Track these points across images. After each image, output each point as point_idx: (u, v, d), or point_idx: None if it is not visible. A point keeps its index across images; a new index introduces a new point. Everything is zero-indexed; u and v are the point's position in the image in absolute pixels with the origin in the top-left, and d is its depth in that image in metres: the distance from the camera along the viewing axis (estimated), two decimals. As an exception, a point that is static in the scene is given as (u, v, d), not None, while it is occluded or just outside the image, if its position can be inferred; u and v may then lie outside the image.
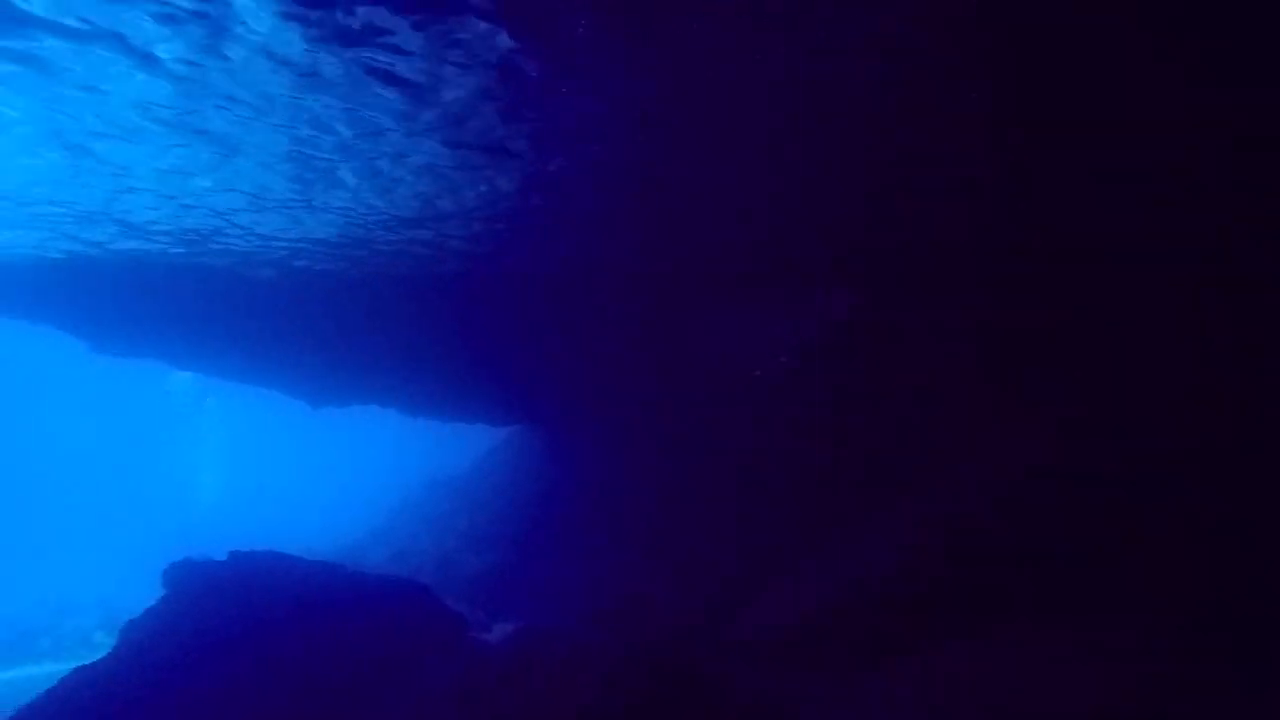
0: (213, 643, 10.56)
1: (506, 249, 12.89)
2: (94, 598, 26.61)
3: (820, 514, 12.68)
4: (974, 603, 9.59)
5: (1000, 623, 9.27)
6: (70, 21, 6.71)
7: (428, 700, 10.00)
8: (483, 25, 6.57)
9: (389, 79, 7.64)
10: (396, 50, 7.08)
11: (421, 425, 27.57)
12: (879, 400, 12.53)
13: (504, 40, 6.80)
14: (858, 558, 11.29)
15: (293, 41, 6.92)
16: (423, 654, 11.23)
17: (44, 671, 20.69)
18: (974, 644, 9.08)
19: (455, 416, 23.07)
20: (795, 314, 13.42)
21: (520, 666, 10.71)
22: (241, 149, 9.51)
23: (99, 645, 23.18)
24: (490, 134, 8.83)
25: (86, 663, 11.97)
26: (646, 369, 15.79)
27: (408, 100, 8.12)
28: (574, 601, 15.54)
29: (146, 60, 7.38)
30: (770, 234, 11.47)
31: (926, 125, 7.98)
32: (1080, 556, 9.23)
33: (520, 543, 17.93)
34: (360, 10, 6.41)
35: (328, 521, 29.96)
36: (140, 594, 22.38)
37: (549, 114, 8.23)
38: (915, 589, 10.17)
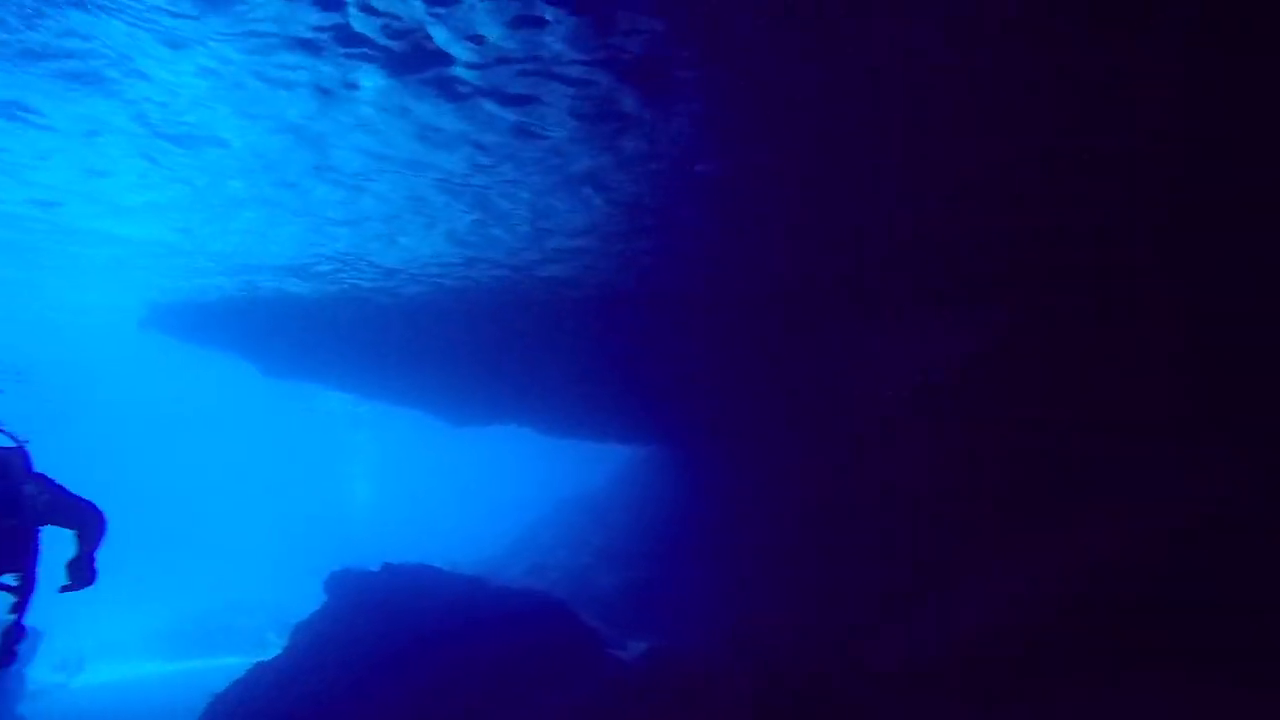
0: (368, 646, 11.37)
1: (637, 273, 13.22)
2: (264, 599, 29.04)
3: (964, 540, 12.13)
4: (1134, 644, 8.89)
5: (1167, 669, 8.54)
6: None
7: (563, 714, 10.31)
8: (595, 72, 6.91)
9: (506, 128, 8.17)
10: (509, 101, 7.63)
11: (557, 443, 28.47)
12: (1035, 423, 11.88)
13: (609, 80, 7.10)
14: (1005, 588, 10.73)
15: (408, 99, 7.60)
16: (559, 668, 11.60)
17: (226, 664, 22.86)
18: (1127, 694, 8.42)
19: (589, 436, 23.66)
20: (945, 332, 12.95)
21: (654, 686, 10.86)
22: (371, 191, 10.42)
23: (270, 644, 25.33)
24: (598, 160, 9.13)
25: (262, 659, 13.19)
26: (781, 388, 15.66)
27: (526, 141, 8.62)
28: (708, 620, 15.54)
29: (295, 130, 8.56)
30: (918, 249, 11.16)
31: (1109, 126, 7.53)
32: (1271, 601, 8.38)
33: (654, 560, 18.14)
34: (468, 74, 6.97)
35: (468, 534, 31.42)
36: (303, 597, 24.26)
37: (676, 143, 8.44)
38: (1071, 624, 9.55)
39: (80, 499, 4.60)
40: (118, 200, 11.34)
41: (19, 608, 4.51)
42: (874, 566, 13.08)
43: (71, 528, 4.60)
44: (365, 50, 6.89)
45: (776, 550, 15.24)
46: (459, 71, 7.21)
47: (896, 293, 12.76)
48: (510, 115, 8.05)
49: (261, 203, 11.16)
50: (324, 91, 7.66)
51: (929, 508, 12.80)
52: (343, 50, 6.90)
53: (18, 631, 4.50)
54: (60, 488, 4.54)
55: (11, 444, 4.58)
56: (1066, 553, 10.34)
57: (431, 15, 6.28)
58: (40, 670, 16.01)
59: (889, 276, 12.29)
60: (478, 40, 6.61)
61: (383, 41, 6.73)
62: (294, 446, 57.34)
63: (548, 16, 6.17)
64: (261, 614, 27.89)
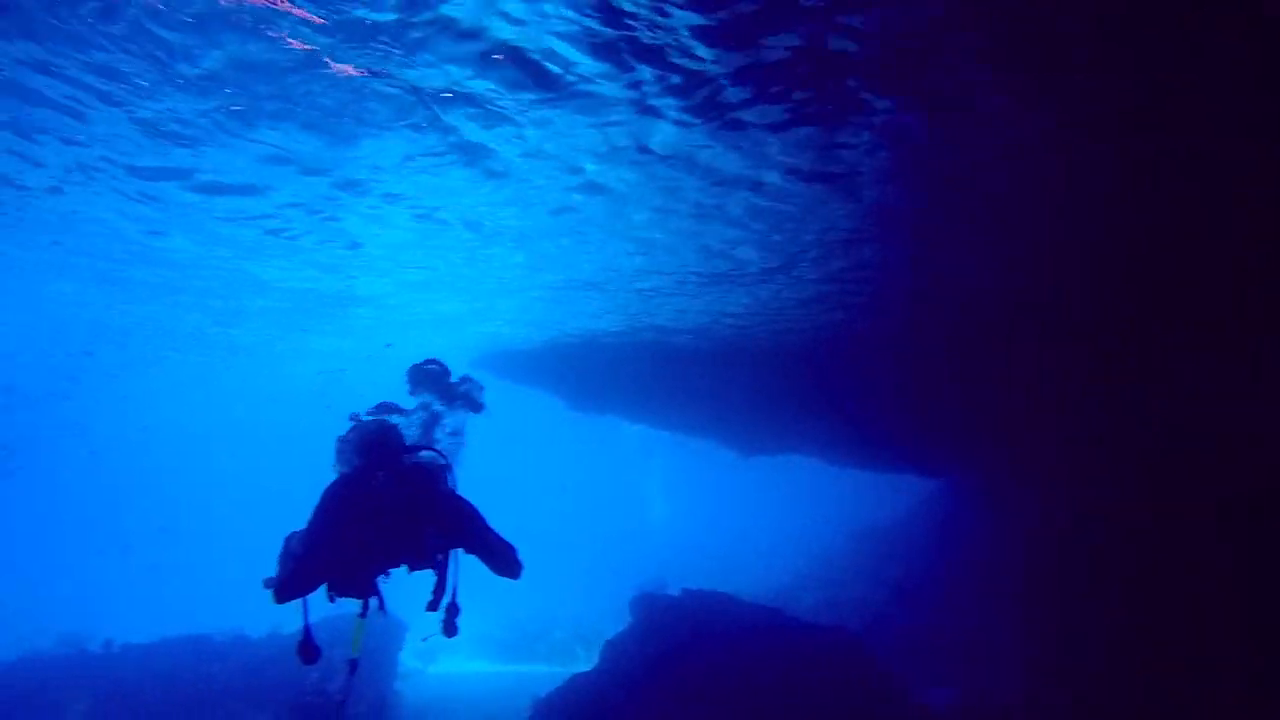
0: (670, 665, 11.85)
1: (924, 302, 12.58)
2: (570, 613, 31.47)
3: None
4: None
5: None
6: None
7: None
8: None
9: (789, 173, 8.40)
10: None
11: (845, 474, 27.76)
12: None
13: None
14: None
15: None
16: (857, 709, 11.16)
17: (538, 671, 25.17)
18: None
19: (879, 467, 22.74)
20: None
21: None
22: (660, 245, 11.29)
23: (577, 656, 27.41)
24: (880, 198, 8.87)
25: (571, 669, 14.38)
26: (1104, 421, 13.85)
27: (811, 190, 8.72)
28: (1021, 672, 14.11)
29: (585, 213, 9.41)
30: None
31: None
32: None
33: (955, 600, 16.85)
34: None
35: (757, 561, 31.54)
36: (606, 614, 25.98)
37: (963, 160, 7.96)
38: None
39: (494, 533, 5.02)
40: (452, 280, 14.33)
41: (438, 591, 5.12)
42: (1213, 619, 11.05)
43: (474, 553, 5.03)
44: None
45: (1098, 598, 13.41)
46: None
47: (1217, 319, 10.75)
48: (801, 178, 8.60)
49: (564, 275, 13.29)
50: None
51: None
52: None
53: (455, 609, 5.17)
54: (475, 511, 5.05)
55: (441, 460, 5.18)
56: None
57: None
58: (406, 657, 19.10)
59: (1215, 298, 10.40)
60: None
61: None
62: (599, 471, 61.92)
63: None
64: (569, 627, 30.31)
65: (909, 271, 11.35)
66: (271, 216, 11.21)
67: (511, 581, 5.12)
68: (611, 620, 17.74)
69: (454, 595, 5.20)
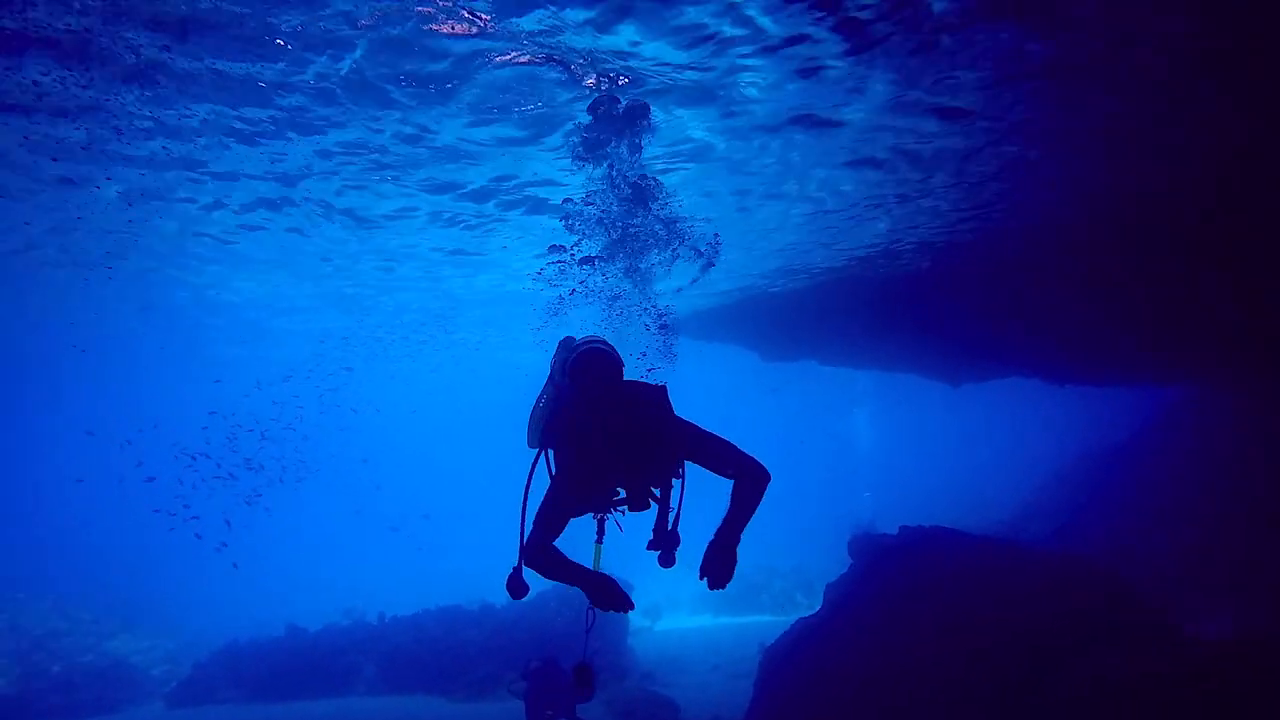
0: (895, 602, 11.59)
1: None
2: (789, 563, 31.67)
3: None
4: None
5: None
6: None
7: (1109, 690, 9.11)
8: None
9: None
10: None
11: (1062, 397, 25.37)
12: None
13: None
14: None
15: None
16: (1111, 637, 10.29)
17: (765, 620, 25.63)
18: None
19: (1114, 381, 20.30)
20: None
21: (1242, 667, 8.93)
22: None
23: (798, 603, 27.56)
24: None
25: (793, 617, 14.51)
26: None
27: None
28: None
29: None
30: None
31: None
32: None
33: (1214, 530, 15.00)
34: None
35: (976, 495, 29.93)
36: (822, 559, 25.85)
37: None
38: None
39: (732, 447, 4.66)
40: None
41: (661, 522, 4.88)
42: None
43: (719, 472, 4.71)
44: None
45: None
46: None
47: None
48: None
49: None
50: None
51: None
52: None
53: (675, 539, 4.94)
54: (700, 428, 4.72)
55: (656, 384, 4.84)
56: None
57: None
58: (634, 615, 20.31)
59: None
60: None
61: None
62: (804, 417, 60.96)
63: None
64: (789, 576, 30.53)
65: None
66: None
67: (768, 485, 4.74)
68: (831, 565, 17.66)
69: (675, 524, 4.92)
